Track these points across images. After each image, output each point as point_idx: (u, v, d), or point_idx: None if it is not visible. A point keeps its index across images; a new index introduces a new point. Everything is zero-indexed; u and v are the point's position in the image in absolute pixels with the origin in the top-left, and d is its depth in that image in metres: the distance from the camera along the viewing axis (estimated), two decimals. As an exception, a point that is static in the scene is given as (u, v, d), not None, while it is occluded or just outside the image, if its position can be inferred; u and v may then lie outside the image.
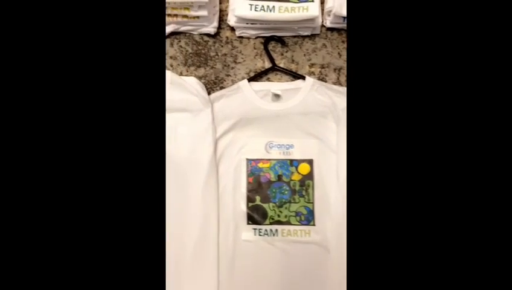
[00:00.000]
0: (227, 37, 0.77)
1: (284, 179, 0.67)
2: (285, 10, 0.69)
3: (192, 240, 0.63)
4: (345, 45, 0.76)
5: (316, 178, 0.67)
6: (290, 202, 0.67)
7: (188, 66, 0.75)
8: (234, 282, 0.64)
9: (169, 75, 0.70)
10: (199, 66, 0.75)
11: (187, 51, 0.76)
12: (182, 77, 0.71)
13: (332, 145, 0.68)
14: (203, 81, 0.73)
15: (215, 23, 0.74)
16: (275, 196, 0.67)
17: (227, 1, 0.76)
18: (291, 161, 0.68)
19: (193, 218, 0.64)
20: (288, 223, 0.66)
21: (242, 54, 0.76)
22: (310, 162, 0.68)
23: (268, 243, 0.65)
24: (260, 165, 0.68)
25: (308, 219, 0.66)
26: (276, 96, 0.72)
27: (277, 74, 0.75)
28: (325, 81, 0.74)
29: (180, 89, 0.69)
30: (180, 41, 0.77)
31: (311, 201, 0.66)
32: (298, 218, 0.66)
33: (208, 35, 0.76)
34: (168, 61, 0.76)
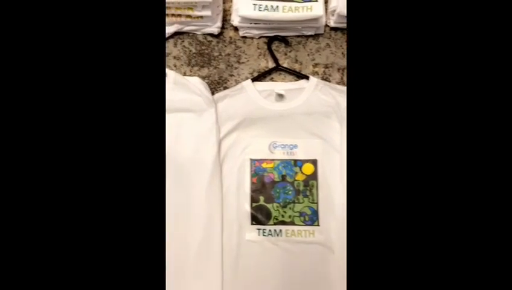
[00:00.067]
0: (230, 37, 0.77)
1: (288, 179, 0.67)
2: (289, 10, 0.69)
3: (197, 240, 0.63)
4: (349, 45, 0.76)
5: (320, 178, 0.67)
6: (294, 202, 0.66)
7: (192, 66, 0.75)
8: (238, 282, 0.63)
9: (172, 75, 0.70)
10: (203, 66, 0.75)
11: (190, 51, 0.76)
12: (186, 77, 0.71)
13: (336, 145, 0.67)
14: (206, 81, 0.73)
15: (219, 23, 0.74)
16: (278, 196, 0.67)
17: (231, 1, 0.76)
18: (295, 161, 0.68)
19: (197, 218, 0.64)
20: (292, 223, 0.66)
21: (245, 54, 0.76)
22: (314, 162, 0.68)
23: (272, 243, 0.65)
24: (264, 165, 0.68)
25: (313, 219, 0.66)
26: (280, 96, 0.71)
27: (281, 73, 0.75)
28: (329, 81, 0.74)
29: (184, 89, 0.69)
30: (183, 41, 0.77)
31: (315, 201, 0.66)
32: (302, 218, 0.66)
33: (212, 35, 0.76)
34: (171, 61, 0.76)
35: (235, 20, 0.73)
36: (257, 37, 0.76)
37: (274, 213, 0.66)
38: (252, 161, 0.68)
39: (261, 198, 0.67)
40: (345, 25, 0.75)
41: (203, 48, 0.76)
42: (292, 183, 0.67)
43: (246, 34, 0.75)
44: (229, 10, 0.77)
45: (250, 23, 0.73)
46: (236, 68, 0.75)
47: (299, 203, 0.66)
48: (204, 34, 0.76)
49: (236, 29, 0.76)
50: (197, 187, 0.65)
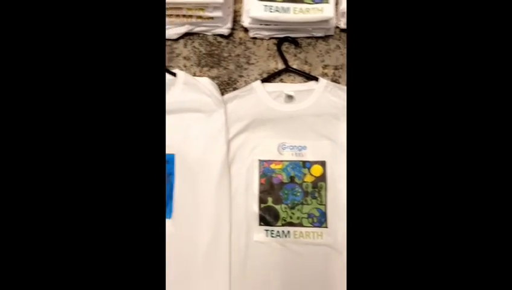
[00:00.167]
0: (240, 38, 0.77)
1: (297, 180, 0.67)
2: (300, 11, 0.69)
3: (205, 240, 0.63)
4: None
5: (329, 180, 0.67)
6: (302, 203, 0.66)
7: (202, 67, 0.76)
8: (246, 283, 0.63)
9: (182, 75, 0.70)
10: (212, 67, 0.76)
11: (200, 51, 0.77)
12: (195, 77, 0.72)
13: (346, 147, 0.67)
14: (216, 81, 0.73)
15: (229, 24, 0.74)
16: (287, 198, 0.67)
17: (241, 2, 0.76)
18: (304, 162, 0.68)
19: (206, 218, 0.64)
20: (300, 225, 0.65)
21: (255, 55, 0.76)
22: (323, 163, 0.67)
23: (280, 244, 0.65)
24: (272, 166, 0.68)
25: (321, 220, 0.66)
26: (289, 97, 0.71)
27: (290, 75, 0.75)
28: (339, 83, 0.74)
29: (194, 90, 0.69)
30: (193, 41, 0.77)
31: (323, 203, 0.66)
32: (310, 220, 0.66)
33: (222, 36, 0.77)
34: (181, 62, 0.76)
35: (245, 21, 0.73)
36: (267, 38, 0.76)
37: (282, 214, 0.66)
38: (261, 161, 0.68)
39: (270, 199, 0.67)
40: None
41: (213, 48, 0.77)
42: (300, 185, 0.67)
43: (255, 35, 0.76)
44: (239, 11, 0.77)
45: (261, 24, 0.73)
46: (245, 69, 0.76)
47: (307, 204, 0.66)
48: (214, 35, 0.77)
49: (246, 30, 0.77)
50: (206, 187, 0.65)
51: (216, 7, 0.69)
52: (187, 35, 0.77)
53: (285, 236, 0.65)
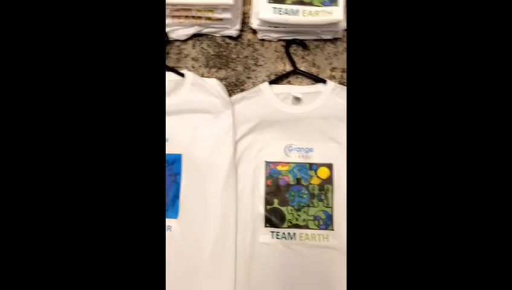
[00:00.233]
0: (248, 40, 0.78)
1: (303, 182, 0.67)
2: (309, 14, 0.69)
3: (211, 240, 0.63)
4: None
5: (336, 183, 0.67)
6: (308, 206, 0.66)
7: (210, 68, 0.76)
8: (250, 283, 0.64)
9: (190, 76, 0.71)
10: (220, 68, 0.76)
11: (209, 52, 0.77)
12: (203, 78, 0.72)
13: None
14: (224, 83, 0.74)
15: (238, 26, 0.75)
16: (293, 200, 0.67)
17: (250, 4, 0.76)
18: (311, 164, 0.68)
19: (212, 218, 0.64)
20: (306, 227, 0.65)
21: (263, 57, 0.77)
22: (330, 166, 0.67)
23: (285, 246, 0.65)
24: (279, 168, 0.68)
25: (327, 223, 0.66)
26: (297, 99, 0.72)
27: (298, 77, 0.75)
28: (346, 86, 0.74)
29: (202, 91, 0.69)
30: (202, 43, 0.77)
31: (330, 206, 0.66)
32: (316, 222, 0.66)
33: (230, 37, 0.77)
34: (189, 63, 0.76)
35: (254, 23, 0.73)
36: (275, 40, 0.77)
37: (288, 216, 0.66)
38: (267, 163, 0.68)
39: (276, 201, 0.67)
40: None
41: (221, 50, 0.77)
42: (307, 187, 0.67)
43: (264, 37, 0.76)
44: (247, 13, 0.77)
45: (269, 26, 0.73)
46: (253, 71, 0.76)
47: (313, 207, 0.66)
48: (222, 36, 0.77)
49: (254, 31, 0.77)
50: (213, 188, 0.65)
51: (225, 9, 0.69)
52: (195, 36, 0.77)
53: (291, 238, 0.65)
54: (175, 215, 0.65)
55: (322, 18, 0.69)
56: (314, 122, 0.69)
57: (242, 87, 0.75)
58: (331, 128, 0.69)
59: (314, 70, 0.75)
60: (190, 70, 0.73)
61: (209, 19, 0.71)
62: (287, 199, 0.67)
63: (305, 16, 0.69)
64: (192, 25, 0.74)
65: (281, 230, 0.65)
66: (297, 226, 0.66)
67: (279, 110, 0.70)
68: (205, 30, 0.76)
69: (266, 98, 0.71)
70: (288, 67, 0.75)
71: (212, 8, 0.69)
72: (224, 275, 0.63)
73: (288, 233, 0.65)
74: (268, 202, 0.67)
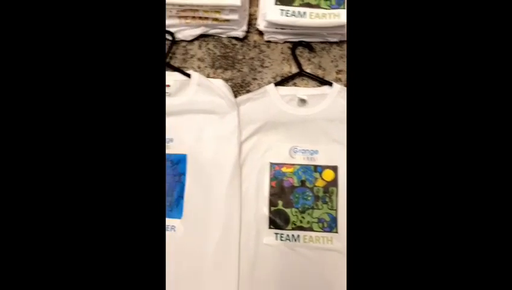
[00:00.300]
0: (255, 41, 0.78)
1: (308, 184, 0.67)
2: (316, 16, 0.69)
3: (215, 241, 0.63)
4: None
5: (341, 185, 0.66)
6: (312, 208, 0.66)
7: (215, 69, 0.76)
8: (254, 285, 0.63)
9: (196, 76, 0.71)
10: (226, 69, 0.76)
11: (215, 53, 0.77)
12: (209, 79, 0.72)
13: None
14: (229, 84, 0.74)
15: (245, 27, 0.75)
16: (297, 201, 0.67)
17: (256, 5, 0.77)
18: (316, 166, 0.68)
19: (216, 219, 0.64)
20: (310, 229, 0.65)
21: (269, 58, 0.77)
22: (335, 168, 0.67)
23: (289, 248, 0.65)
24: (283, 169, 0.68)
25: (331, 225, 0.65)
26: (302, 101, 0.72)
27: (304, 79, 0.75)
28: (352, 88, 0.74)
29: (207, 91, 0.69)
30: (208, 43, 0.78)
31: (334, 208, 0.66)
32: (321, 225, 0.66)
33: (236, 38, 0.77)
34: (195, 63, 0.77)
35: (261, 25, 0.74)
36: (281, 42, 0.77)
37: (292, 218, 0.66)
38: (272, 164, 0.68)
39: (280, 202, 0.67)
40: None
41: (228, 50, 0.77)
42: (311, 189, 0.67)
43: (270, 39, 0.76)
44: (254, 14, 0.78)
45: (276, 28, 0.73)
46: (259, 72, 0.76)
47: (318, 209, 0.66)
48: (229, 37, 0.77)
49: (260, 33, 0.77)
50: (217, 188, 0.65)
51: (233, 10, 0.69)
52: (202, 36, 0.77)
53: (295, 240, 0.65)
54: (179, 215, 0.65)
55: (329, 20, 0.69)
56: (319, 124, 0.69)
57: (248, 88, 0.75)
58: (336, 131, 0.68)
59: (320, 73, 0.75)
60: (196, 71, 0.73)
61: (216, 19, 0.72)
62: (291, 201, 0.67)
63: (312, 18, 0.69)
64: (198, 26, 0.74)
65: (285, 232, 0.65)
66: (301, 228, 0.66)
67: (285, 111, 0.70)
68: (211, 31, 0.76)
69: (272, 99, 0.71)
70: (294, 69, 0.75)
71: (219, 9, 0.69)
72: (228, 275, 0.63)
73: (292, 235, 0.65)
74: (272, 203, 0.67)
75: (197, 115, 0.68)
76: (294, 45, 0.75)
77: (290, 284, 0.64)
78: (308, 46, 0.75)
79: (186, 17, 0.72)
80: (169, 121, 0.68)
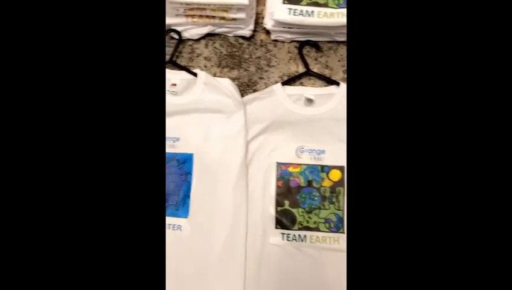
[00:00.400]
0: (261, 40, 0.77)
1: (314, 184, 0.67)
2: (324, 15, 0.69)
3: (221, 240, 0.63)
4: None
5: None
6: (319, 208, 0.66)
7: (222, 68, 0.76)
8: (260, 284, 0.63)
9: (203, 75, 0.71)
10: (233, 68, 0.76)
11: (221, 52, 0.77)
12: (216, 78, 0.72)
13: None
14: (236, 83, 0.74)
15: (252, 26, 0.75)
16: (304, 202, 0.66)
17: (263, 4, 0.76)
18: (322, 166, 0.67)
19: (222, 218, 0.64)
20: (317, 229, 0.65)
21: (276, 58, 0.76)
22: (342, 169, 0.67)
23: (296, 248, 0.64)
24: (290, 169, 0.68)
25: (338, 226, 0.65)
26: (309, 101, 0.71)
27: (310, 78, 0.75)
28: (359, 88, 0.73)
29: (214, 90, 0.69)
30: (214, 42, 0.77)
31: (341, 208, 0.66)
32: (327, 225, 0.65)
33: (243, 37, 0.77)
34: (202, 62, 0.76)
35: (268, 24, 0.73)
36: (288, 41, 0.76)
37: (299, 218, 0.66)
38: (279, 164, 0.68)
39: (286, 202, 0.66)
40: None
41: (234, 50, 0.77)
42: (318, 189, 0.67)
43: (277, 38, 0.76)
44: (261, 13, 0.77)
45: (283, 27, 0.73)
46: (266, 71, 0.76)
47: (324, 209, 0.66)
48: (235, 36, 0.77)
49: (267, 32, 0.77)
50: (224, 188, 0.65)
51: (240, 9, 0.69)
52: (208, 35, 0.77)
53: (302, 240, 0.65)
54: (185, 214, 0.65)
55: (337, 20, 0.69)
56: (326, 124, 0.69)
57: (254, 87, 0.75)
58: (343, 131, 0.68)
59: (327, 72, 0.75)
60: (202, 70, 0.72)
61: (223, 18, 0.71)
62: (298, 201, 0.66)
63: (320, 17, 0.69)
64: (205, 25, 0.74)
65: (291, 232, 0.65)
66: (308, 228, 0.65)
67: (292, 111, 0.70)
68: (218, 30, 0.76)
69: (279, 99, 0.71)
70: (301, 69, 0.75)
71: (227, 7, 0.68)
72: (234, 275, 0.63)
73: (299, 235, 0.65)
74: (279, 203, 0.66)
75: (203, 114, 0.68)
76: (301, 44, 0.75)
77: (296, 284, 0.64)
78: (315, 45, 0.75)
79: (193, 16, 0.72)
80: (175, 120, 0.68)
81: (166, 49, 0.76)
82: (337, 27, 0.71)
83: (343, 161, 0.67)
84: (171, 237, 0.63)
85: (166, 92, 0.71)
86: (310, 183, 0.67)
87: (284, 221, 0.66)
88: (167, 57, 0.74)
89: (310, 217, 0.66)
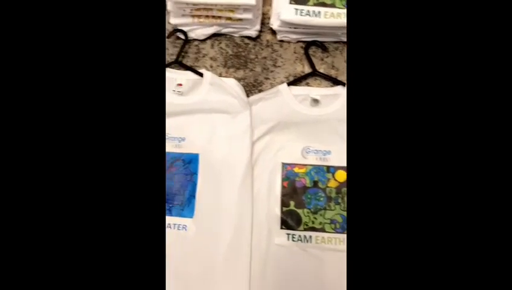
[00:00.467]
0: (267, 40, 0.77)
1: (320, 185, 0.67)
2: (331, 16, 0.69)
3: (226, 241, 0.63)
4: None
5: (354, 186, 0.66)
6: (325, 209, 0.66)
7: (228, 68, 0.76)
8: (265, 285, 0.63)
9: (209, 76, 0.71)
10: (239, 68, 0.76)
11: (227, 52, 0.77)
12: (222, 78, 0.72)
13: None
14: (242, 83, 0.74)
15: (258, 26, 0.75)
16: (309, 202, 0.66)
17: (269, 4, 0.76)
18: (328, 167, 0.67)
19: (228, 218, 0.64)
20: (322, 230, 0.65)
21: (282, 58, 0.76)
22: (348, 169, 0.67)
23: (301, 249, 0.64)
24: (296, 169, 0.68)
25: (343, 227, 0.65)
26: (315, 101, 0.71)
27: (316, 79, 0.75)
28: (365, 89, 0.73)
29: (220, 91, 0.69)
30: (220, 42, 0.77)
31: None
32: (333, 226, 0.65)
33: (249, 38, 0.77)
34: (208, 62, 0.76)
35: (274, 24, 0.73)
36: (294, 42, 0.76)
37: (304, 219, 0.66)
38: (284, 165, 0.68)
39: (292, 203, 0.66)
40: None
41: (240, 50, 0.77)
42: (324, 190, 0.67)
43: (283, 38, 0.76)
44: (267, 14, 0.77)
45: (290, 28, 0.73)
46: (272, 72, 0.76)
47: (330, 210, 0.66)
48: (241, 37, 0.77)
49: (273, 32, 0.77)
50: (229, 188, 0.65)
51: (246, 9, 0.69)
52: (214, 36, 0.77)
53: (307, 241, 0.65)
54: (191, 214, 0.65)
55: (343, 20, 0.69)
56: (332, 124, 0.69)
57: (260, 88, 0.75)
58: (349, 132, 0.68)
59: (333, 73, 0.75)
60: (208, 70, 0.73)
61: (229, 19, 0.71)
62: (303, 202, 0.66)
63: (327, 17, 0.69)
64: (211, 25, 0.74)
65: (296, 233, 0.65)
66: (313, 229, 0.65)
67: (297, 111, 0.70)
68: (224, 30, 0.76)
69: (284, 99, 0.71)
70: (307, 69, 0.75)
71: (233, 8, 0.68)
72: (239, 275, 0.63)
73: (304, 236, 0.65)
74: (284, 203, 0.66)
75: (209, 114, 0.68)
76: (307, 45, 0.75)
77: (301, 285, 0.63)
78: (321, 45, 0.75)
79: (199, 16, 0.72)
80: (181, 120, 0.68)
81: (173, 49, 0.76)
82: (344, 27, 0.71)
83: (349, 162, 0.67)
84: (176, 237, 0.63)
85: (172, 92, 0.71)
86: (315, 183, 0.67)
87: (289, 221, 0.65)
88: (173, 57, 0.74)
89: (315, 218, 0.66)
